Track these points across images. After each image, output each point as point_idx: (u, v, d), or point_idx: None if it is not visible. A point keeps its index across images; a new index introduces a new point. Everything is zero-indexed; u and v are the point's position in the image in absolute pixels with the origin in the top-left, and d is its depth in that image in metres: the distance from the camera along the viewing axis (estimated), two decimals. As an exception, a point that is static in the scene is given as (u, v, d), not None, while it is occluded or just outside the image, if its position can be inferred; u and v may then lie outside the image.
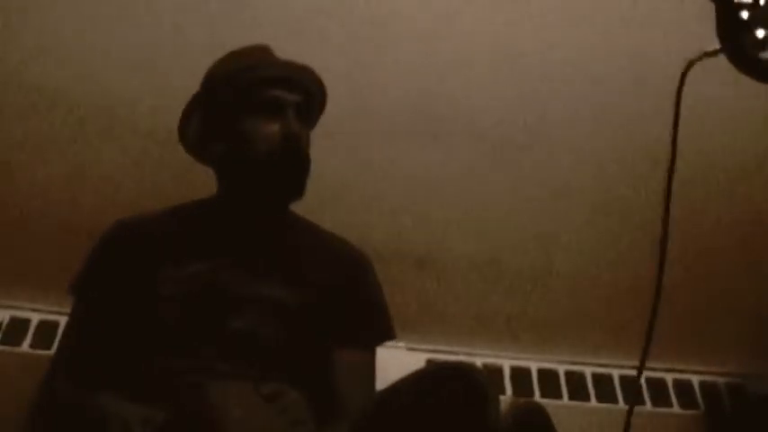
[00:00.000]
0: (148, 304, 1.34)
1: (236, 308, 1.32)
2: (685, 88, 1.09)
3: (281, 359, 1.31)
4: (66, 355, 1.39)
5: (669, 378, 2.08)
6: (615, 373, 2.07)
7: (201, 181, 1.50)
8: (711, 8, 1.89)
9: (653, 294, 1.12)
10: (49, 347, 1.84)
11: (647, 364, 1.19)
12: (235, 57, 1.49)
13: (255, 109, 1.42)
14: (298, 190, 1.42)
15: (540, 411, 1.17)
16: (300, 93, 1.45)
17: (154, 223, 1.47)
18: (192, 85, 1.51)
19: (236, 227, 1.44)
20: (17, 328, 1.88)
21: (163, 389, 1.19)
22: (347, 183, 2.01)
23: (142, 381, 1.26)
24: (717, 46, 1.03)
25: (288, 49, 1.51)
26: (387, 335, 1.46)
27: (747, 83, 1.04)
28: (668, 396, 2.05)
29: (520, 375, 2.03)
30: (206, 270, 1.35)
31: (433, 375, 1.11)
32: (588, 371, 2.08)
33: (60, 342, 1.47)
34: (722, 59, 1.03)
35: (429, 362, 1.99)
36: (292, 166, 1.40)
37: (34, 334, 1.88)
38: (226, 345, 1.28)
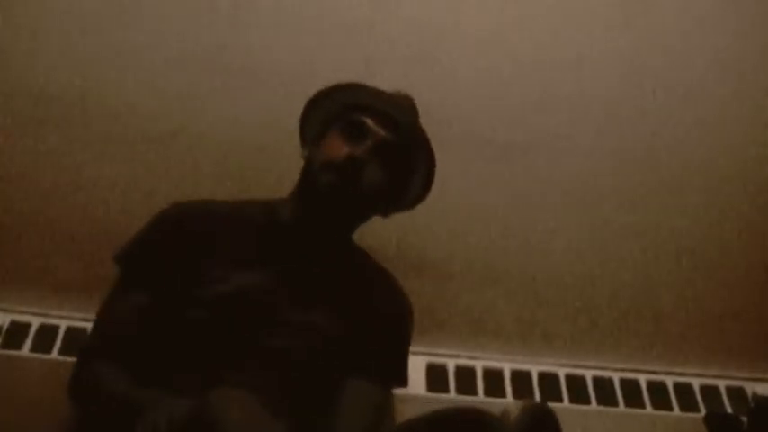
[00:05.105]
0: (185, 300, 1.31)
1: (274, 327, 1.31)
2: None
3: (309, 385, 1.31)
4: (104, 331, 1.37)
5: (669, 381, 2.07)
6: (616, 377, 2.07)
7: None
8: (708, 9, 1.90)
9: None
10: (50, 351, 1.84)
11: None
12: (363, 87, 1.49)
13: (342, 128, 1.42)
14: (337, 213, 1.40)
15: (551, 415, 1.15)
16: (393, 132, 1.42)
17: (213, 215, 1.43)
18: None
19: (293, 241, 1.42)
20: (18, 332, 1.88)
21: (182, 388, 1.18)
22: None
23: (166, 372, 1.26)
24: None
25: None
26: (403, 382, 1.46)
27: None
28: (668, 399, 2.04)
29: (520, 379, 2.03)
30: (251, 281, 1.33)
31: (446, 420, 1.09)
32: (589, 374, 2.07)
33: (99, 314, 1.41)
34: None
35: (429, 366, 1.99)
36: (339, 187, 1.35)
37: (35, 338, 1.87)
38: (256, 361, 1.27)
